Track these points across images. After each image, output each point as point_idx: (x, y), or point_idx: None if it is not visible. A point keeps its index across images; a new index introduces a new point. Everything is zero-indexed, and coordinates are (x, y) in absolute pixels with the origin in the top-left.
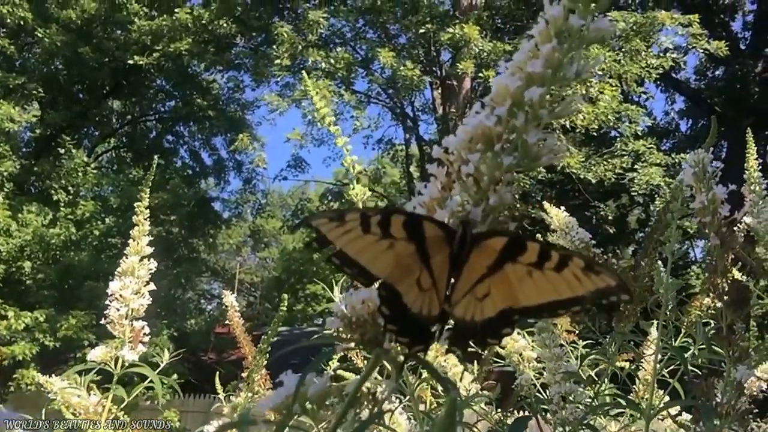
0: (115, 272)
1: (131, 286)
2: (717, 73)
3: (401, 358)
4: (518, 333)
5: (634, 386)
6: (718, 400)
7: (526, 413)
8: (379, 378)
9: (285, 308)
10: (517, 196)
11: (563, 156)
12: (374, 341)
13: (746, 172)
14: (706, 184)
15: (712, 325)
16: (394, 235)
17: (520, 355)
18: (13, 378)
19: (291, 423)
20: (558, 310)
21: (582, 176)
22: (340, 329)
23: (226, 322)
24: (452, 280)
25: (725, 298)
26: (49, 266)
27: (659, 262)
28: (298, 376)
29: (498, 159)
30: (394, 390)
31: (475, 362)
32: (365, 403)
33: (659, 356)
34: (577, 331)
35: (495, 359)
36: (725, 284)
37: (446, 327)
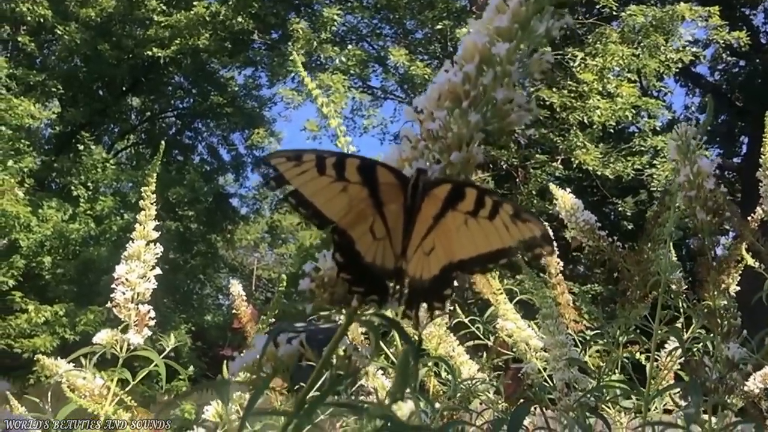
0: (122, 256)
1: (137, 270)
2: (737, 67)
3: (376, 320)
4: (525, 323)
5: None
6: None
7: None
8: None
9: (284, 287)
10: (534, 192)
11: (534, 114)
12: (343, 300)
13: (761, 157)
14: (690, 158)
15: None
16: (348, 178)
17: (527, 344)
18: (33, 371)
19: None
20: (488, 263)
21: (600, 173)
22: (312, 289)
23: (233, 311)
24: (408, 234)
25: (711, 273)
26: (69, 261)
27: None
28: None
29: (466, 116)
30: (373, 354)
31: (484, 353)
32: (341, 366)
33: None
34: (585, 321)
35: (502, 350)
36: (712, 260)
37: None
